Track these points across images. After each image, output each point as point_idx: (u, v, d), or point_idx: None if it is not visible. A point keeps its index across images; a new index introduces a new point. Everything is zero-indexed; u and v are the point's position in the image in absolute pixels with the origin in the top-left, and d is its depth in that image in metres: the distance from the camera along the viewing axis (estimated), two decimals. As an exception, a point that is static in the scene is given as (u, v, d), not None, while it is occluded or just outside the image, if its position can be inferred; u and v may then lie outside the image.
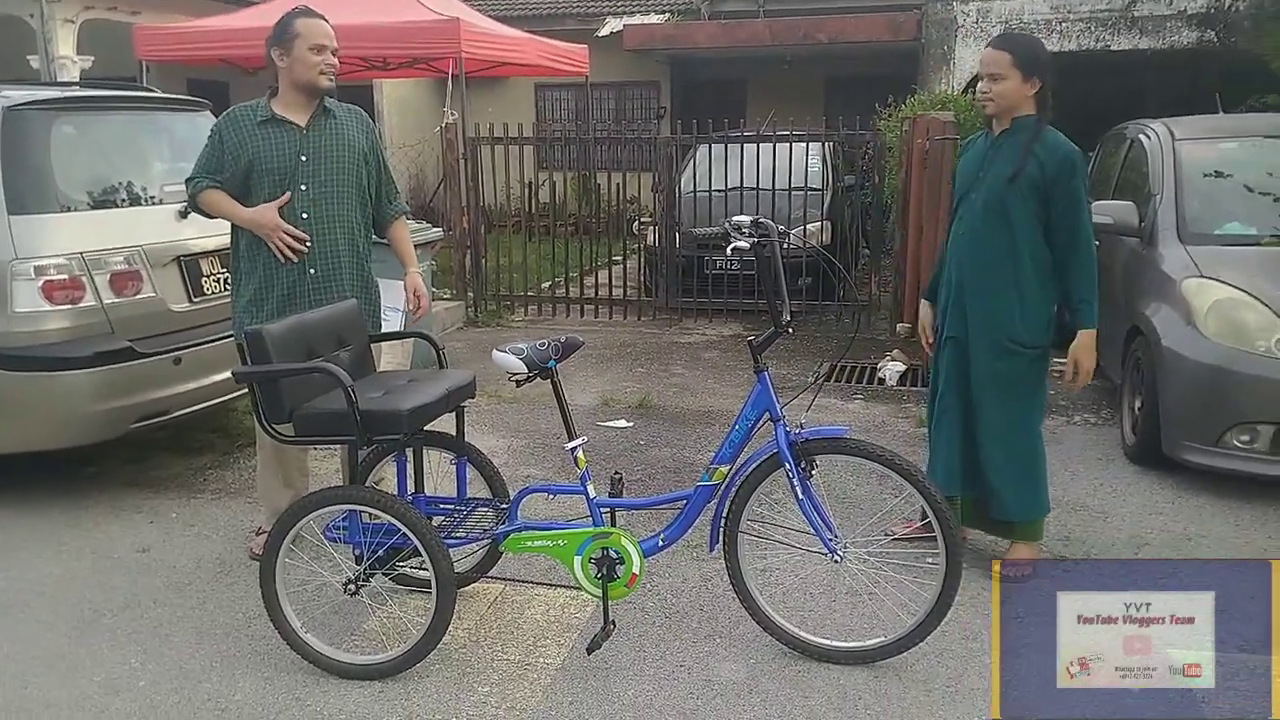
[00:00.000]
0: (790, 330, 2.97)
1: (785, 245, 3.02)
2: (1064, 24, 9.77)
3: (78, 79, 9.89)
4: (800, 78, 14.08)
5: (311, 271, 3.56)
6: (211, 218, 3.65)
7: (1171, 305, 4.62)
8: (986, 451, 3.51)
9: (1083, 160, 3.37)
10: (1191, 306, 4.49)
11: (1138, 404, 4.82)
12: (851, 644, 3.06)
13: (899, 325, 7.47)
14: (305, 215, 3.53)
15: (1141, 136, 5.73)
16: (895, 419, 5.59)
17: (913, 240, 7.14)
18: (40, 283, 4.06)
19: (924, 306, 3.84)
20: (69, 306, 4.12)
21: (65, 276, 4.12)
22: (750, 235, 2.91)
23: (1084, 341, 3.35)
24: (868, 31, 11.77)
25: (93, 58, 10.52)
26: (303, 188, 3.53)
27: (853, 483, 4.26)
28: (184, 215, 4.52)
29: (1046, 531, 3.88)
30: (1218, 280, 4.52)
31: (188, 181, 3.62)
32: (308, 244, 3.52)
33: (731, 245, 2.89)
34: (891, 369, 6.42)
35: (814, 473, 2.93)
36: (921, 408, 5.71)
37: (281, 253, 3.49)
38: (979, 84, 3.46)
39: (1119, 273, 5.39)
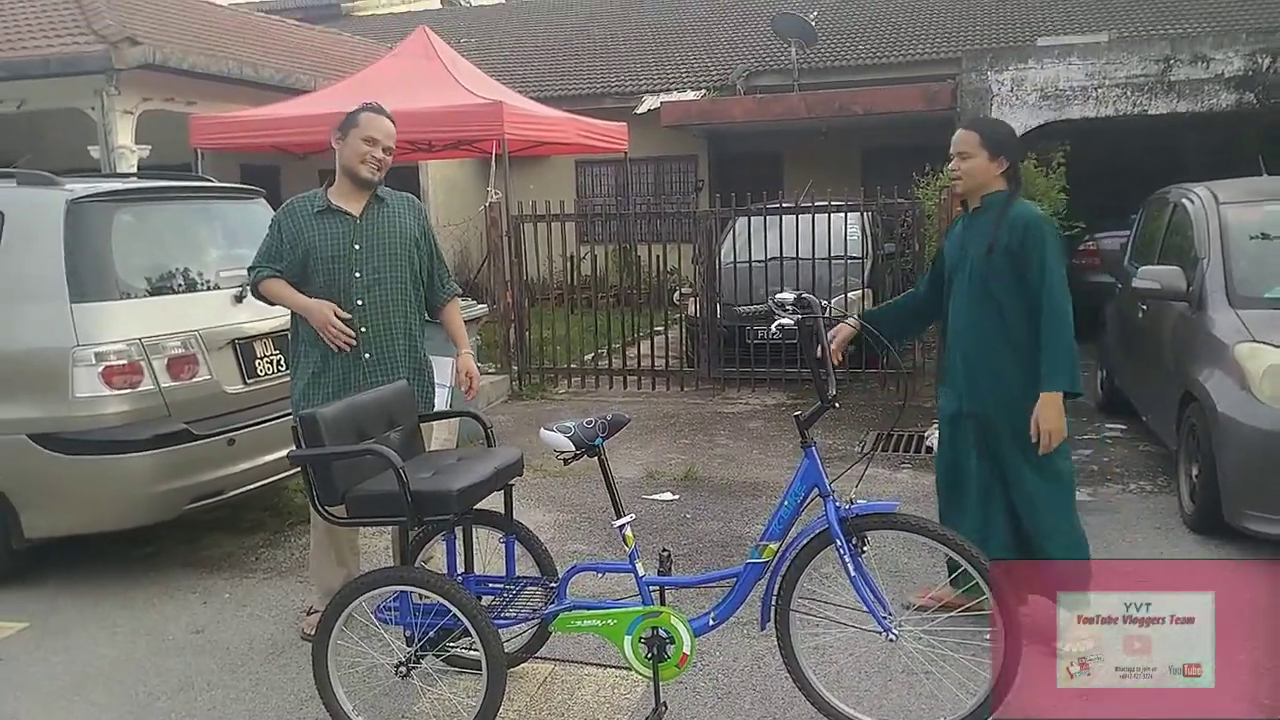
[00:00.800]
0: (836, 404, 2.97)
1: (828, 315, 3.04)
2: (1100, 90, 9.79)
3: (136, 167, 10.26)
4: (836, 148, 14.21)
5: (367, 356, 3.66)
6: (272, 304, 3.77)
7: (1225, 370, 4.54)
8: (1039, 520, 3.48)
9: (1052, 229, 3.43)
10: (1245, 371, 4.42)
11: (1195, 471, 4.71)
12: (909, 725, 2.99)
13: (945, 393, 7.41)
14: (360, 301, 3.64)
15: (1185, 200, 5.71)
16: (944, 489, 5.51)
17: (956, 307, 7.12)
18: (100, 368, 4.18)
19: (846, 327, 3.58)
20: (128, 391, 4.23)
21: (124, 362, 4.24)
22: (794, 311, 2.94)
23: (1046, 403, 3.29)
24: (902, 102, 11.87)
25: (150, 146, 10.92)
26: (357, 275, 3.64)
27: (904, 556, 4.20)
28: (239, 300, 4.66)
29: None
30: (1270, 344, 4.45)
31: (250, 270, 3.76)
32: (364, 329, 3.63)
33: (776, 322, 2.91)
34: (939, 437, 6.34)
35: (865, 549, 2.90)
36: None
37: (334, 344, 3.59)
38: (950, 163, 3.55)
39: (1168, 338, 5.33)
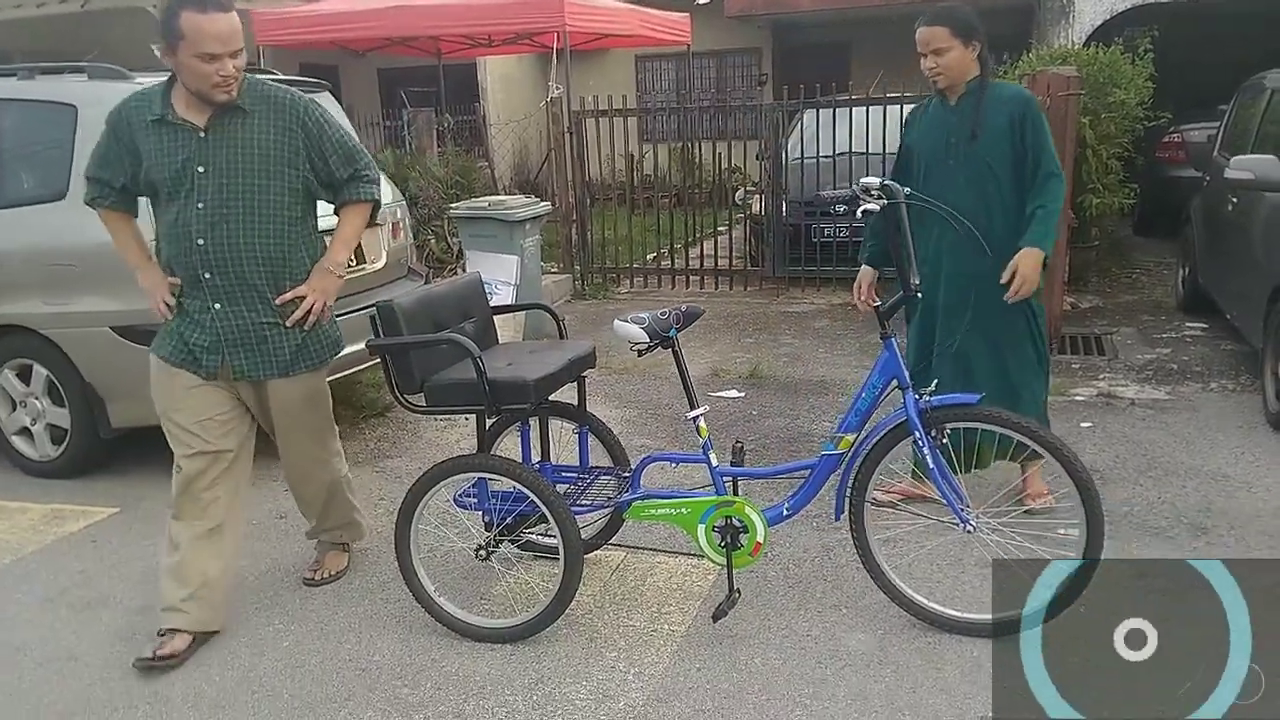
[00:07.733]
0: (920, 294, 2.90)
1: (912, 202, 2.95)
2: (1194, -31, 9.24)
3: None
4: (907, 38, 13.65)
5: (217, 306, 2.98)
6: None
7: (1321, 264, 4.35)
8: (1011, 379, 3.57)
9: (1036, 101, 3.57)
10: (1344, 265, 4.23)
11: (1281, 369, 4.57)
12: (983, 616, 2.99)
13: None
14: (201, 241, 2.90)
15: (1284, 86, 5.41)
16: (1016, 387, 5.42)
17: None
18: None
19: (866, 270, 3.61)
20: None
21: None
22: (879, 197, 2.85)
23: (1032, 256, 3.34)
24: (979, -14, 11.36)
25: (212, 45, 10.89)
26: (199, 206, 2.88)
27: (977, 452, 4.15)
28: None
29: (1185, 501, 3.74)
30: (1372, 236, 4.25)
31: (87, 178, 3.07)
32: (208, 274, 2.95)
33: (862, 208, 2.84)
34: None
35: (945, 441, 2.87)
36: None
37: (159, 311, 3.04)
38: (924, 61, 3.51)
39: (1259, 230, 5.12)
